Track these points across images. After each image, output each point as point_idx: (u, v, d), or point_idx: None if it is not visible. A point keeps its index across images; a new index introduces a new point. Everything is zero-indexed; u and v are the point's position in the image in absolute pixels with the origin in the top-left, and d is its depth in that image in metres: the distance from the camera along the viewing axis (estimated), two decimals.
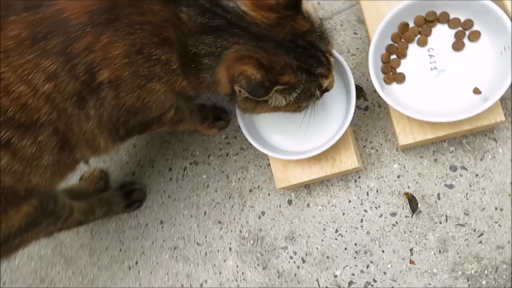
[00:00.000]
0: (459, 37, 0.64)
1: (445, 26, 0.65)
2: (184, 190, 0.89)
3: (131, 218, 0.92)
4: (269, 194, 0.82)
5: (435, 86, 0.65)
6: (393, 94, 0.66)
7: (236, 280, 0.81)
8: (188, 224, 0.87)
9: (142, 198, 0.91)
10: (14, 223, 0.64)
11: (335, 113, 0.70)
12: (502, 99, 0.68)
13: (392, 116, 0.68)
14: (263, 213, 0.82)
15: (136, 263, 0.90)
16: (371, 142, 0.76)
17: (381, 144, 0.75)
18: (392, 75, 0.66)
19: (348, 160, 0.70)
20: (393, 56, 0.67)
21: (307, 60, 0.56)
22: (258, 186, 0.83)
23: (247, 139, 0.71)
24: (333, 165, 0.71)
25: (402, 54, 0.66)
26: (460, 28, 0.64)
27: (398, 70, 0.67)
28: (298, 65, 0.56)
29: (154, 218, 0.90)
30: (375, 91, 0.77)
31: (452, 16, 0.64)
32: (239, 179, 0.84)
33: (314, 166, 0.72)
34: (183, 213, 0.88)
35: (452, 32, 0.65)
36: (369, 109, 0.77)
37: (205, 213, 0.86)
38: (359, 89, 0.76)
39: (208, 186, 0.87)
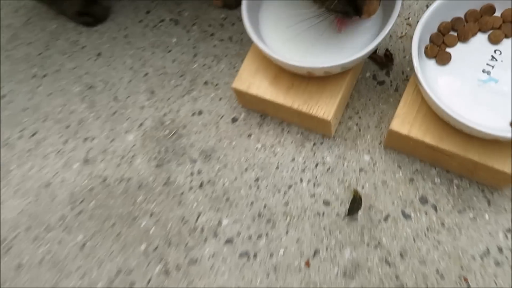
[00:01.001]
0: None
1: None
2: (144, 40, 0.73)
3: (74, 32, 0.77)
4: (220, 99, 0.67)
5: (474, 90, 0.50)
6: (424, 70, 0.51)
7: (122, 158, 0.65)
8: (122, 73, 0.72)
9: (99, 18, 0.75)
10: None
11: (349, 45, 0.55)
12: None
13: (404, 97, 0.53)
14: (200, 112, 0.66)
15: (44, 76, 0.74)
16: (360, 118, 0.61)
17: (369, 127, 0.60)
18: (438, 49, 0.52)
19: (325, 108, 0.55)
20: (453, 33, 0.53)
21: None
22: (216, 84, 0.68)
23: (241, 33, 0.57)
24: (307, 103, 0.55)
25: (464, 36, 0.52)
26: None
27: (448, 49, 0.52)
28: None
29: (95, 46, 0.75)
30: (403, 73, 0.62)
31: None
32: (204, 65, 0.69)
33: (287, 90, 0.57)
34: (125, 60, 0.73)
35: None
36: (384, 86, 0.62)
37: (146, 74, 0.71)
38: (388, 58, 0.62)
39: (170, 51, 0.71)
